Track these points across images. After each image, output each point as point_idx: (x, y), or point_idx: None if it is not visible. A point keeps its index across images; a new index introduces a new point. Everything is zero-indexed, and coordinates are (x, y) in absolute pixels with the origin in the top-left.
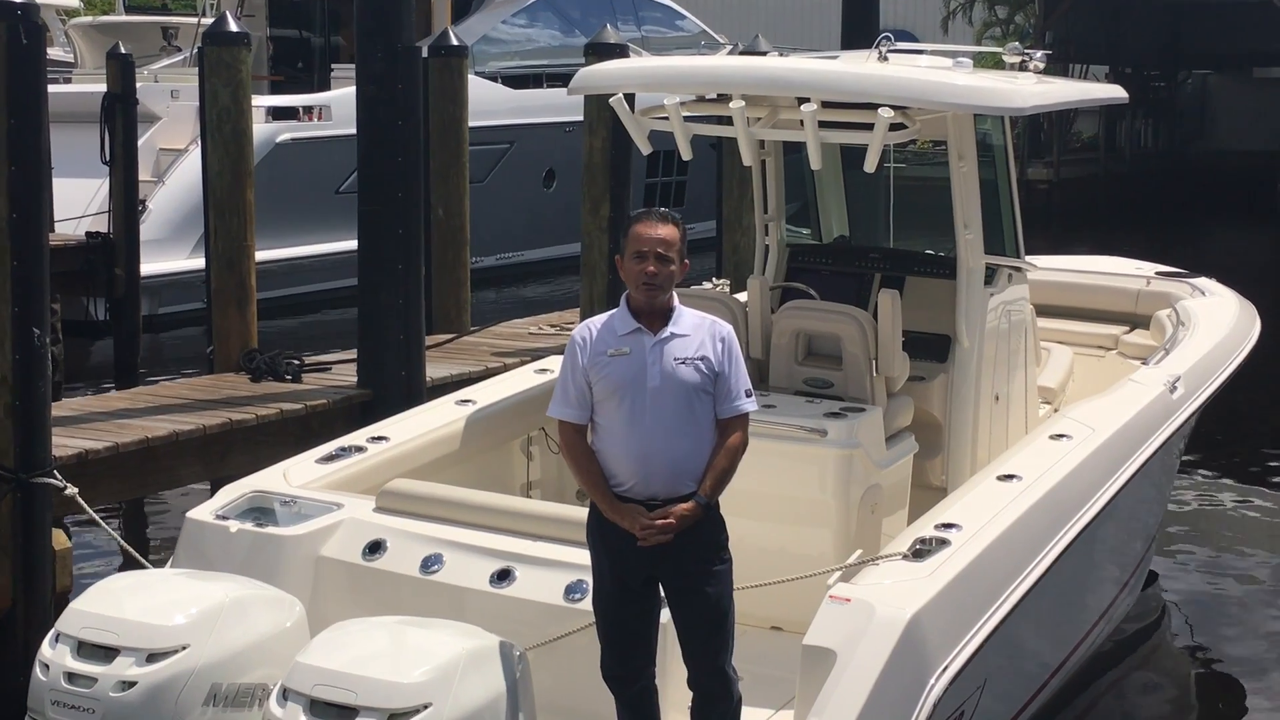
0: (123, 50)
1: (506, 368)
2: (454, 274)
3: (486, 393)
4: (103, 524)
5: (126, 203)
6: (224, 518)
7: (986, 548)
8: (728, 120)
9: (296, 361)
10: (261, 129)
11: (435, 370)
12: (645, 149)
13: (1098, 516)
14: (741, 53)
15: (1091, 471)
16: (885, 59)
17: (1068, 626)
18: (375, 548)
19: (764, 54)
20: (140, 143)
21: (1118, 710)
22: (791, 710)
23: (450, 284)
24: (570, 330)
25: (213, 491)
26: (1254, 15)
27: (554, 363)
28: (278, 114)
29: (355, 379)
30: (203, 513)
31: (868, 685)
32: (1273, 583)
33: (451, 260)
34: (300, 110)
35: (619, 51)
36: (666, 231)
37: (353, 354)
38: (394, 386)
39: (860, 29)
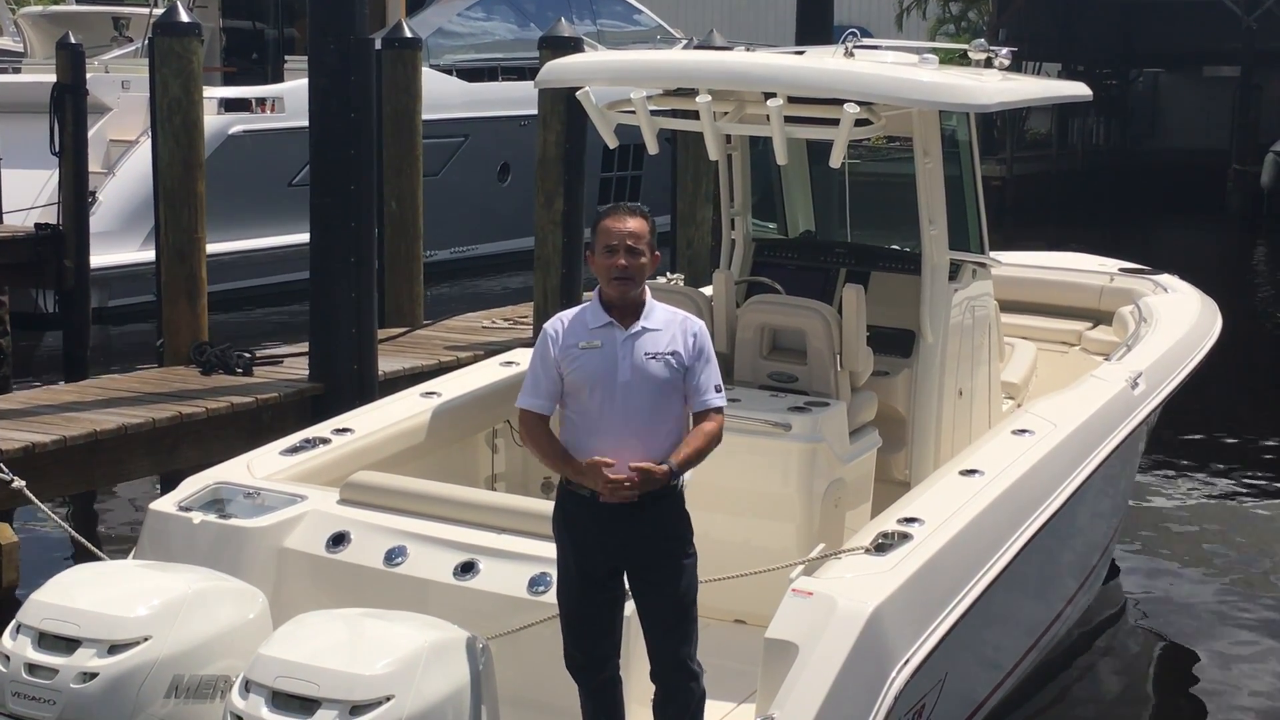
0: (73, 40)
1: (459, 361)
2: (407, 267)
3: (452, 385)
4: (54, 516)
5: (76, 194)
6: (187, 509)
7: (948, 542)
8: (694, 115)
9: (247, 354)
10: (214, 121)
11: (387, 364)
12: (612, 143)
13: (1059, 511)
14: (697, 47)
15: (1053, 466)
16: (851, 55)
17: (1030, 620)
18: (339, 540)
19: (720, 48)
20: (91, 134)
21: (1079, 702)
22: (753, 703)
23: (403, 277)
24: (524, 324)
25: (162, 485)
26: (1204, 14)
27: (520, 355)
28: (230, 106)
29: (307, 372)
30: (166, 504)
31: (829, 678)
32: (1233, 576)
33: (405, 253)
34: (253, 102)
35: (574, 45)
36: (636, 224)
37: (304, 347)
38: (346, 380)
39: (815, 24)
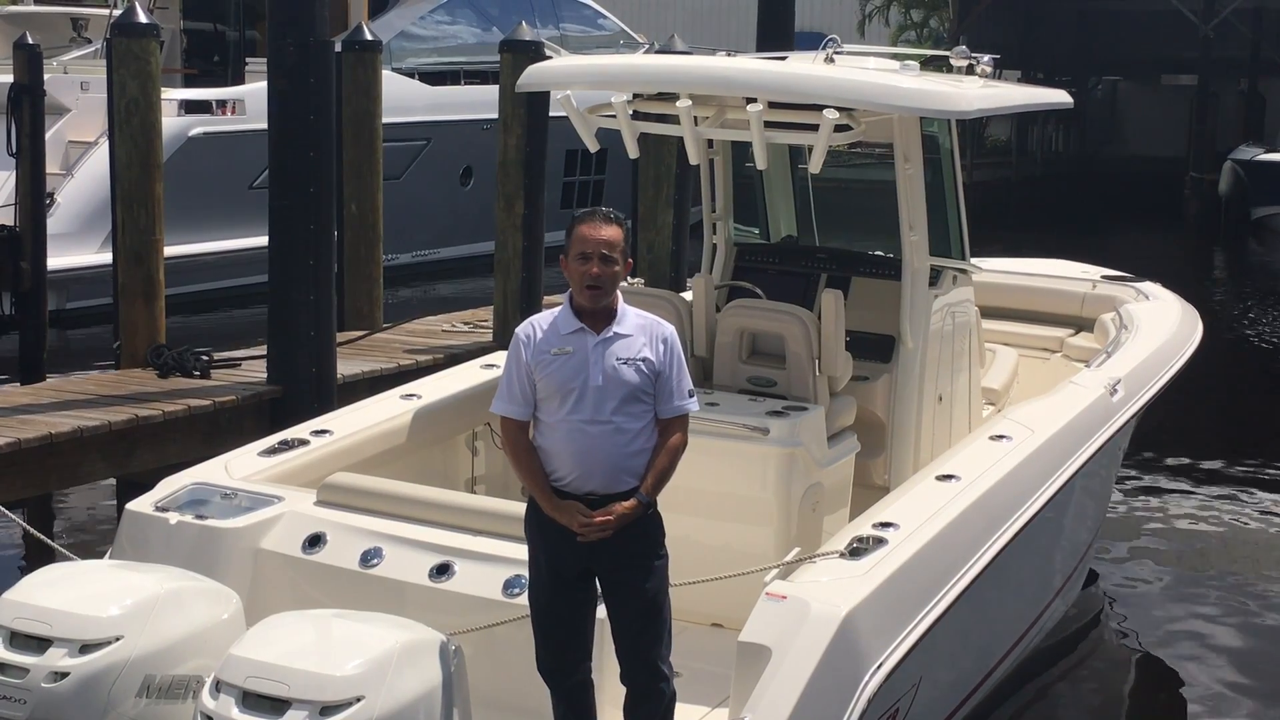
0: (30, 41)
1: (419, 364)
2: (367, 270)
3: (432, 387)
4: (16, 519)
5: (33, 195)
6: (164, 509)
7: (923, 547)
8: (674, 119)
9: (205, 357)
10: (174, 123)
11: (346, 367)
12: (593, 147)
13: (1035, 516)
14: (658, 52)
15: (1030, 472)
16: (832, 60)
17: (1005, 625)
18: (315, 541)
19: (681, 53)
20: (49, 135)
21: (1056, 707)
22: (728, 707)
23: (363, 280)
24: (484, 328)
25: (119, 488)
26: (1162, 23)
27: (500, 358)
28: (191, 108)
29: (265, 375)
30: (143, 504)
31: (802, 682)
32: (1211, 582)
33: (364, 256)
34: (214, 104)
35: (534, 48)
36: (610, 233)
37: (263, 350)
38: (304, 383)
39: (776, 30)
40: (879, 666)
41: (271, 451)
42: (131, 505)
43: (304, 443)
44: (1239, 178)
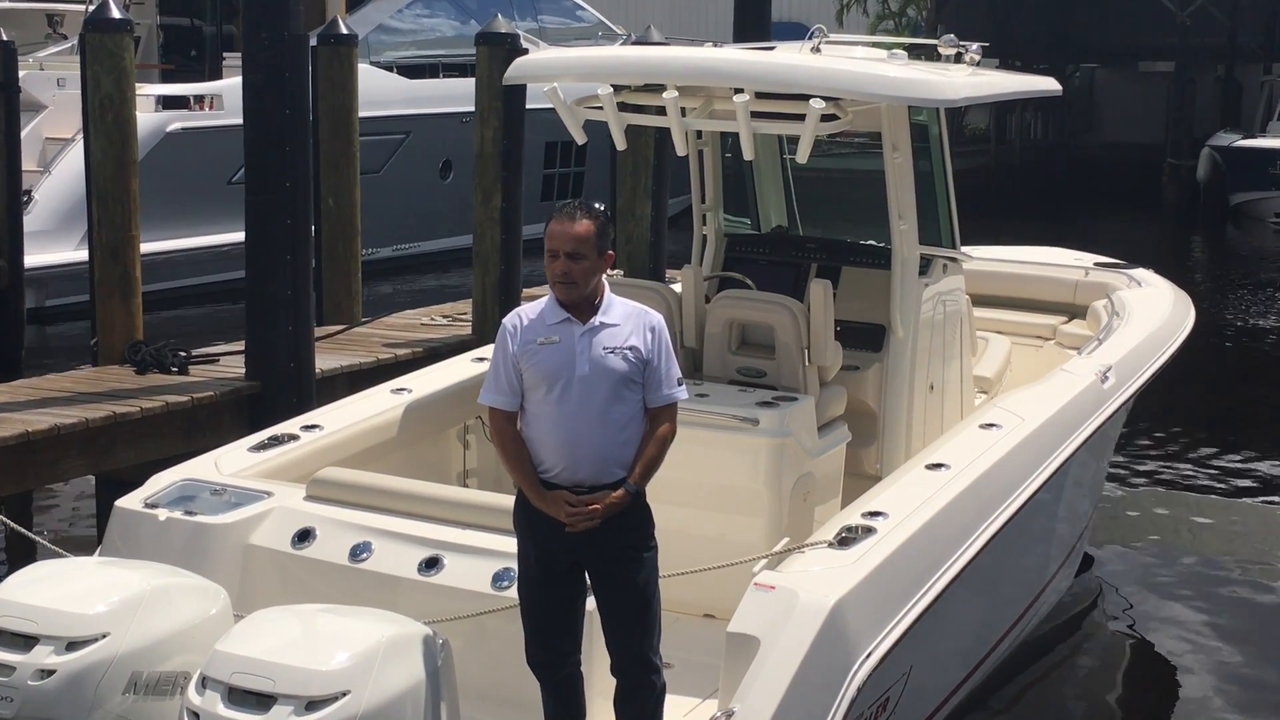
0: (4, 37)
1: (398, 359)
2: (345, 264)
3: (422, 381)
4: (3, 518)
5: (9, 193)
6: (153, 506)
7: (912, 535)
8: (661, 110)
9: (183, 353)
10: (152, 118)
11: (325, 362)
12: (580, 139)
13: (1026, 504)
14: (635, 43)
15: (1020, 460)
16: (819, 50)
17: (997, 613)
18: (304, 536)
19: (658, 44)
20: (26, 132)
21: (1051, 692)
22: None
23: (341, 275)
24: (463, 321)
25: (97, 485)
26: (1139, 9)
27: (490, 352)
28: (168, 103)
29: (243, 371)
30: (132, 501)
31: (790, 672)
32: (1205, 567)
33: (342, 251)
34: (191, 99)
35: (510, 41)
36: (580, 228)
37: (241, 346)
38: (283, 378)
39: (753, 20)
40: (868, 656)
41: (261, 447)
42: (121, 502)
43: (294, 438)
44: (1217, 164)
